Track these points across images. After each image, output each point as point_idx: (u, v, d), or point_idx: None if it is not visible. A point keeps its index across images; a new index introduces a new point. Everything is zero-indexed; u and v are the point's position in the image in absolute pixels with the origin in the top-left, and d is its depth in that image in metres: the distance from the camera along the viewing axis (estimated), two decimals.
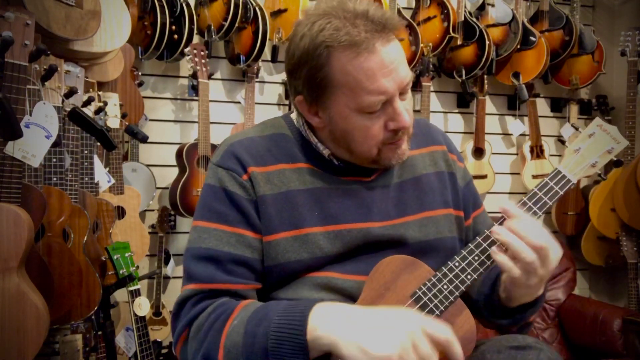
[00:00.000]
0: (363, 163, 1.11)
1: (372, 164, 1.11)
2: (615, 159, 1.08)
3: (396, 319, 0.89)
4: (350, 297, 1.05)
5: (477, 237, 1.04)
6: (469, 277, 1.01)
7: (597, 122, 1.09)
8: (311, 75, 1.02)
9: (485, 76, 3.27)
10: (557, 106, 3.62)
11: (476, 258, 1.02)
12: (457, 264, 1.02)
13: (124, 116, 2.54)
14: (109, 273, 2.18)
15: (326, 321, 0.90)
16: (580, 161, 1.07)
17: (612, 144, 1.07)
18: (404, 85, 1.02)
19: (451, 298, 1.00)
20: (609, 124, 1.09)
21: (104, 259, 2.18)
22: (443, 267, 1.03)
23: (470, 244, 1.04)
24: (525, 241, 0.96)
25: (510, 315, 1.08)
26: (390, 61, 0.99)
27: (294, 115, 1.18)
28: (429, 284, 1.01)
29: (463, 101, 3.46)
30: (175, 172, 2.93)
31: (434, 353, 0.86)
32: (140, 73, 2.93)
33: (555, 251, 0.98)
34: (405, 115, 1.03)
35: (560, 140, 3.46)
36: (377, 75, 0.99)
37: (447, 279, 1.01)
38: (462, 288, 1.01)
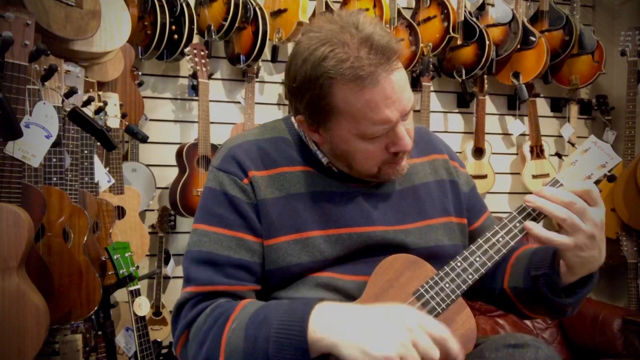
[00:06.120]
0: (362, 177, 1.11)
1: (371, 179, 1.12)
2: (609, 174, 1.11)
3: (394, 317, 0.89)
4: (351, 297, 1.05)
5: (479, 239, 1.05)
6: (470, 277, 1.02)
7: (592, 139, 1.12)
8: (313, 102, 1.02)
9: (485, 76, 3.27)
10: (557, 106, 3.62)
11: (477, 259, 1.03)
12: (459, 264, 1.03)
13: (124, 116, 2.54)
14: (109, 273, 2.18)
15: (325, 323, 0.89)
16: (577, 172, 1.10)
17: (606, 159, 1.10)
18: (406, 111, 1.02)
19: (452, 297, 1.01)
20: (602, 142, 1.11)
21: (104, 259, 2.18)
22: (445, 267, 1.04)
23: (472, 245, 1.05)
24: (553, 201, 0.99)
25: (572, 292, 1.07)
26: (393, 92, 0.98)
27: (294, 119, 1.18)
28: (431, 282, 1.02)
29: (463, 101, 3.46)
30: (175, 172, 2.93)
31: (434, 347, 0.86)
32: (140, 73, 2.93)
33: (594, 209, 0.99)
34: (406, 139, 1.03)
35: (558, 154, 3.46)
36: (381, 106, 0.98)
37: (449, 278, 1.02)
38: (464, 287, 1.02)
